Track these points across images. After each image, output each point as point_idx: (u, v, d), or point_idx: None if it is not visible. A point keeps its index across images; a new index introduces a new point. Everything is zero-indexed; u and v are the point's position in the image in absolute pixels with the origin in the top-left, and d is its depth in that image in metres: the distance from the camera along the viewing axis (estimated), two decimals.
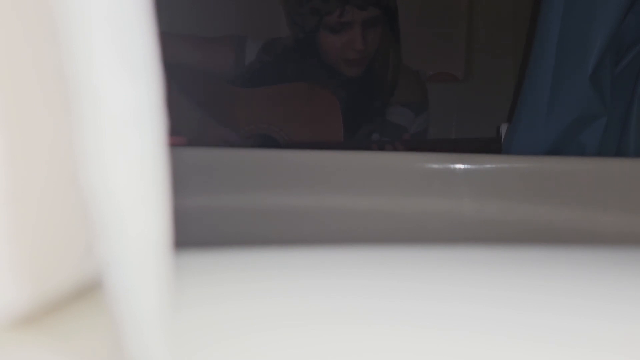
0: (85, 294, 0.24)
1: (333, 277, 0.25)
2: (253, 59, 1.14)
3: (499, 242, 0.28)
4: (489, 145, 0.94)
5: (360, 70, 1.12)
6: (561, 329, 0.21)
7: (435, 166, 0.68)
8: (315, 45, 1.10)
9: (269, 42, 1.16)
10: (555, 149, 0.81)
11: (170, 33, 1.09)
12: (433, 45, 1.60)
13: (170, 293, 0.20)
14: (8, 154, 0.20)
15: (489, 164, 0.67)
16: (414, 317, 0.22)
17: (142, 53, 0.17)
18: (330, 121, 1.11)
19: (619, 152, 0.81)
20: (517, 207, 0.65)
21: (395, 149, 0.98)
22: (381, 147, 1.03)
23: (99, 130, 0.16)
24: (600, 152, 0.81)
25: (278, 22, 1.32)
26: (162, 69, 0.17)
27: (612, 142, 0.81)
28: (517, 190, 0.66)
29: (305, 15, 1.07)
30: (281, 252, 0.27)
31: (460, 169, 0.67)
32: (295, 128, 1.11)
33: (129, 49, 0.16)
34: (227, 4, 1.37)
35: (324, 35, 1.08)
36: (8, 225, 0.21)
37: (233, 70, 1.14)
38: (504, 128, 0.87)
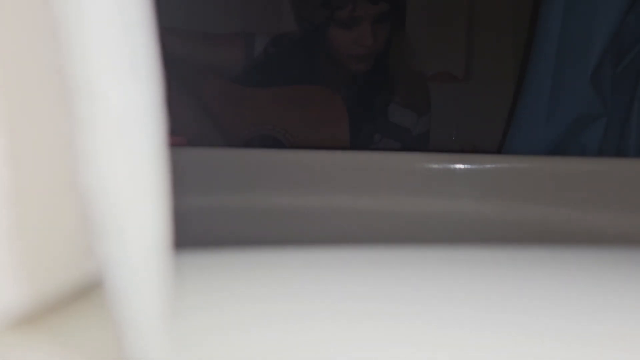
0: (85, 294, 0.24)
1: (333, 278, 0.25)
2: (260, 53, 1.14)
3: (499, 242, 0.28)
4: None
5: (367, 66, 1.11)
6: (561, 328, 0.21)
7: (435, 166, 0.68)
8: (322, 40, 1.09)
9: (276, 37, 1.16)
10: (555, 149, 0.81)
11: (178, 29, 1.08)
12: (433, 45, 1.60)
13: (170, 293, 0.20)
14: (8, 154, 0.20)
15: (489, 164, 0.67)
16: (414, 317, 0.22)
17: (143, 53, 0.17)
18: (337, 125, 1.11)
19: (619, 152, 0.81)
20: (517, 207, 0.65)
21: None
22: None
23: (99, 131, 0.16)
24: (600, 152, 0.81)
25: (287, 19, 1.32)
26: (167, 65, 0.17)
27: (612, 142, 0.81)
28: (517, 190, 0.66)
29: (316, 8, 1.06)
30: (281, 252, 0.27)
31: (460, 169, 0.67)
32: (301, 131, 1.11)
33: (130, 49, 0.16)
34: (235, 0, 1.37)
35: (334, 30, 1.07)
36: (8, 225, 0.21)
37: (241, 67, 1.14)
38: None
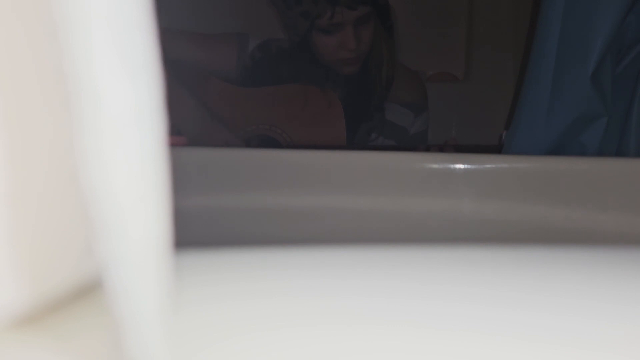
0: (85, 294, 0.24)
1: (333, 277, 0.25)
2: (248, 58, 1.15)
3: (499, 242, 0.28)
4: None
5: (356, 69, 1.12)
6: (561, 328, 0.21)
7: (435, 166, 0.68)
8: (309, 46, 1.10)
9: (265, 42, 1.16)
10: (555, 149, 0.81)
11: (172, 29, 1.09)
12: (433, 45, 1.60)
13: (170, 293, 0.20)
14: (8, 154, 0.20)
15: (489, 164, 0.67)
16: (413, 317, 0.22)
17: (142, 53, 0.17)
18: (334, 124, 1.11)
19: (619, 152, 0.81)
20: (517, 207, 0.65)
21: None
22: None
23: (99, 130, 0.16)
24: (600, 152, 0.81)
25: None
26: (163, 66, 0.17)
27: (612, 142, 0.81)
28: (517, 190, 0.66)
29: (296, 19, 1.07)
30: (281, 252, 0.27)
31: (460, 169, 0.67)
32: (298, 130, 1.11)
33: (129, 49, 0.16)
34: (229, 1, 1.37)
35: (317, 37, 1.08)
36: (8, 225, 0.21)
37: (235, 68, 1.14)
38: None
